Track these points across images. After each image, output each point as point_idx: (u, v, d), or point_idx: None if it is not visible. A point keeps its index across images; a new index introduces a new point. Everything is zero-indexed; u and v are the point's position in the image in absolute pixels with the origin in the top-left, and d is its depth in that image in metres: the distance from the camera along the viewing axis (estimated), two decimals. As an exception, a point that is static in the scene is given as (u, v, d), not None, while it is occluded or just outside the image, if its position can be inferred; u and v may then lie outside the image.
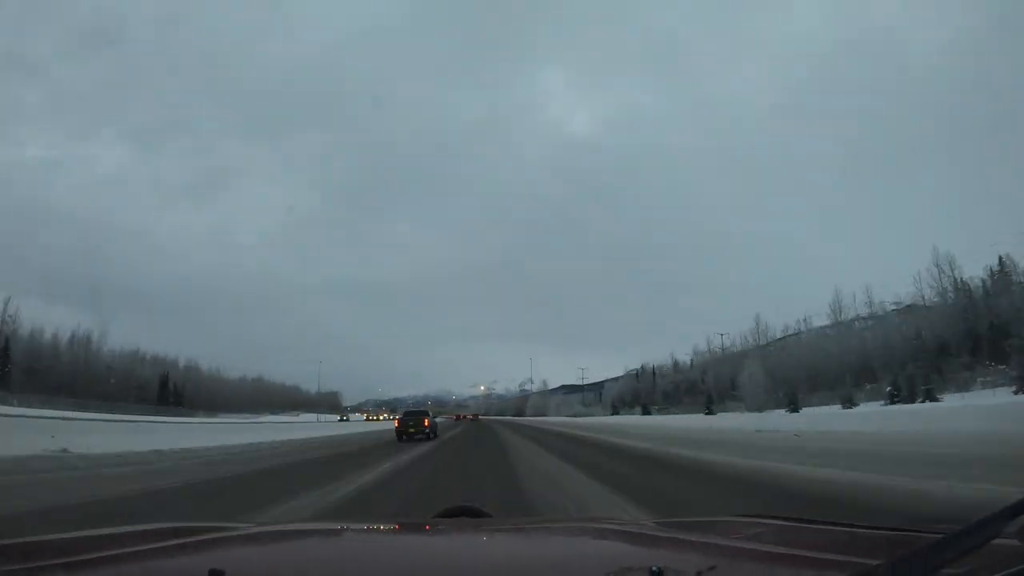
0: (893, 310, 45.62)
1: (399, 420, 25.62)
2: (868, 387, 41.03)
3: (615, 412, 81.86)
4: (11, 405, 39.07)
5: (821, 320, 53.53)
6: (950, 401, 28.84)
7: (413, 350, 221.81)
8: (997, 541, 0.76)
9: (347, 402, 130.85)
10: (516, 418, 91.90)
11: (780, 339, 60.69)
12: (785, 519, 1.59)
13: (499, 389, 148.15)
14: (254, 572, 1.10)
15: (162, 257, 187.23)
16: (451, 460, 15.00)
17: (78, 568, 1.01)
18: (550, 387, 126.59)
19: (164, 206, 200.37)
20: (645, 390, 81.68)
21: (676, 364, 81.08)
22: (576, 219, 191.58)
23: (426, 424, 24.18)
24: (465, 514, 1.79)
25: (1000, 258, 36.14)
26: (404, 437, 23.19)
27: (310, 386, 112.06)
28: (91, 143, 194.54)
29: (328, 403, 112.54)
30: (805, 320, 56.61)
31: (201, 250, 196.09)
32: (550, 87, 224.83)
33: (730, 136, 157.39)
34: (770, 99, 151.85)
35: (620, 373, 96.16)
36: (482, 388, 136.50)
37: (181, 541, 1.30)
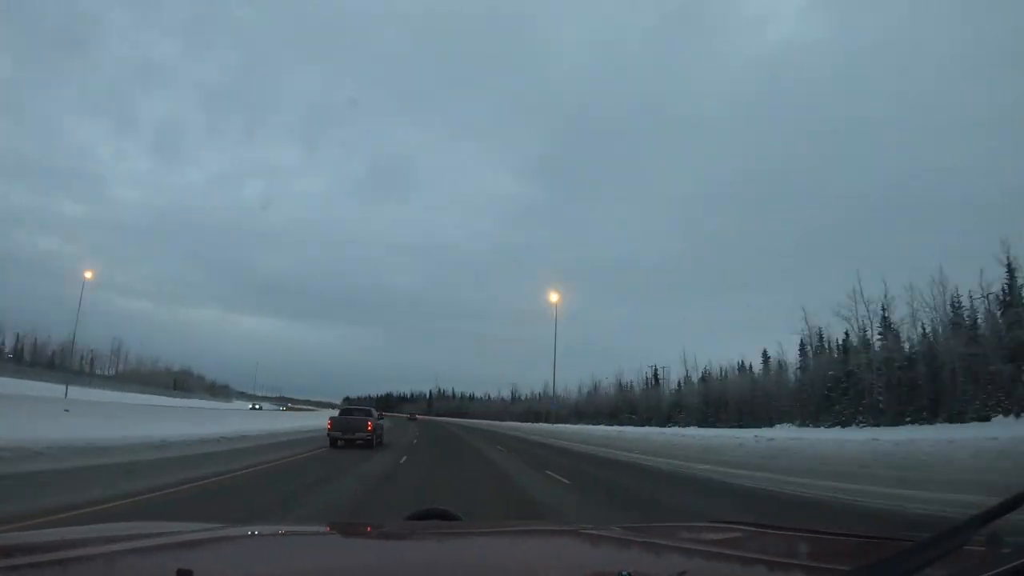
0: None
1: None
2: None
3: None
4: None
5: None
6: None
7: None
8: (966, 549, 0.79)
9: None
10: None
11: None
12: (756, 525, 1.61)
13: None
14: (223, 573, 1.09)
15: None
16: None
17: (45, 568, 0.99)
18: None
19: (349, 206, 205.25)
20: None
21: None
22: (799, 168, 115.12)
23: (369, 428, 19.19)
24: (436, 517, 1.79)
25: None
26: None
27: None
28: (260, 148, 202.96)
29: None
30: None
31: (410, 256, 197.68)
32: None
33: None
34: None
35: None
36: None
37: (149, 542, 1.28)
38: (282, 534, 1.70)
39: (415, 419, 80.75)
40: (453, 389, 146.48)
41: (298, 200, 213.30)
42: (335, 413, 22.21)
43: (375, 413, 20.97)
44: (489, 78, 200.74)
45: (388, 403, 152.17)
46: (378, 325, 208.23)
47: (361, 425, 19.10)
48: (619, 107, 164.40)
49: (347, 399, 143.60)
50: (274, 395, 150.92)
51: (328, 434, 18.97)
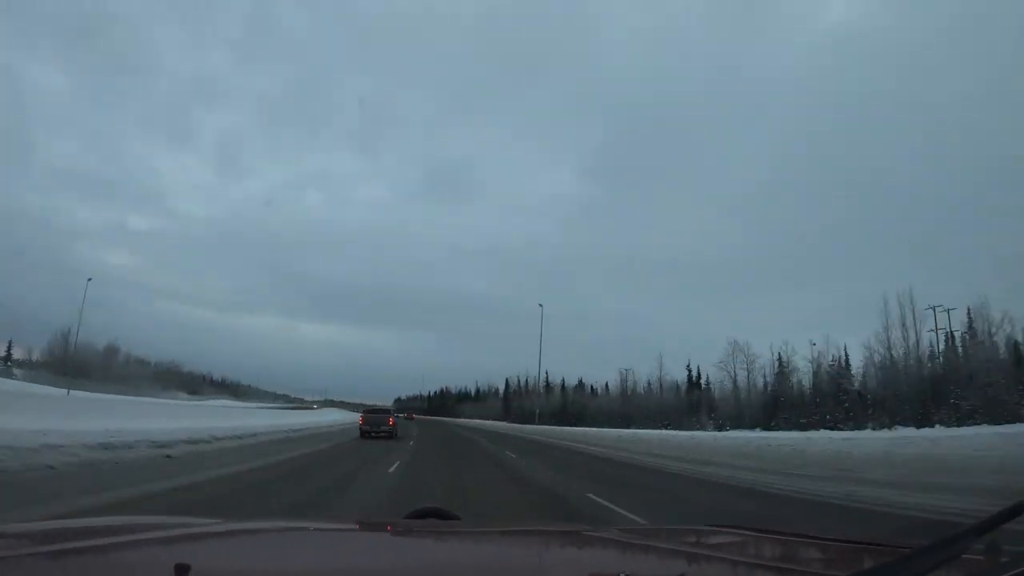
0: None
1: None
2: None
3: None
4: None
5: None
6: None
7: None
8: (965, 557, 0.80)
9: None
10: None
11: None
12: (754, 530, 1.63)
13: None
14: (221, 567, 1.09)
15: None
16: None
17: (43, 560, 0.99)
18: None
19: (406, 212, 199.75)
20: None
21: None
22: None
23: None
24: (434, 516, 1.78)
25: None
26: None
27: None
28: (319, 156, 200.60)
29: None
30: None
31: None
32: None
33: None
34: None
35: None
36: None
37: (148, 536, 1.28)
38: (279, 530, 1.69)
39: (413, 419, 77.46)
40: (547, 376, 74.65)
41: (358, 207, 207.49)
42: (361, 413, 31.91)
43: (394, 411, 31.84)
44: (545, 75, 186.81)
45: (444, 402, 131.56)
46: (439, 327, 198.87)
47: (384, 421, 26.54)
48: (678, 95, 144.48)
49: (398, 400, 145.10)
50: (320, 398, 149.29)
51: (360, 427, 26.53)
